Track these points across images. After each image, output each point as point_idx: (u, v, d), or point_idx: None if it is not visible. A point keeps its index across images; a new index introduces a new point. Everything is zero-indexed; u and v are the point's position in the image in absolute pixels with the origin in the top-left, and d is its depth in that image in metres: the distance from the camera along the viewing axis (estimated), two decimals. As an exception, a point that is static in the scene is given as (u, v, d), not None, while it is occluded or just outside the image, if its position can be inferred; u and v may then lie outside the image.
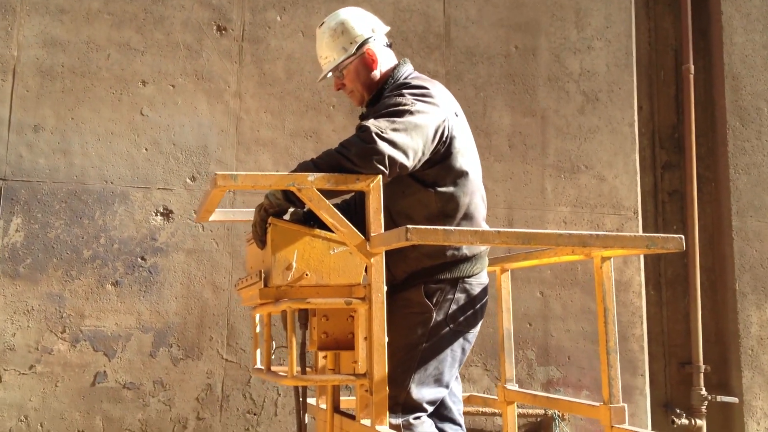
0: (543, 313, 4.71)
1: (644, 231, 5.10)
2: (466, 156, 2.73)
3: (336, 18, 2.87)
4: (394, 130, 2.47)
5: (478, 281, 2.74)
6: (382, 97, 2.77)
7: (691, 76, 5.37)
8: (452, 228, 2.15)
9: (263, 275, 2.43)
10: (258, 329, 2.89)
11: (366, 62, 2.85)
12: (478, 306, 2.74)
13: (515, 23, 4.91)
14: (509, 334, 3.09)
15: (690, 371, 5.14)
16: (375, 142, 2.41)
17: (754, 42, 5.44)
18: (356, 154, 2.41)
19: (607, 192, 4.92)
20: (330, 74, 2.89)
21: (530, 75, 4.90)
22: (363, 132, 2.45)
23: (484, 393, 4.46)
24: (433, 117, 2.59)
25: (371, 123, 2.47)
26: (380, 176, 2.42)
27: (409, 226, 2.11)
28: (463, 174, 2.69)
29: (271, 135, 4.45)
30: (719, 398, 5.07)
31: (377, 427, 2.29)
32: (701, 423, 5.05)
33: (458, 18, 4.78)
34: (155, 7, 4.38)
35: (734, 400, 5.10)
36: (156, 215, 4.28)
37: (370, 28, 2.89)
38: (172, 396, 4.17)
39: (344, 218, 2.37)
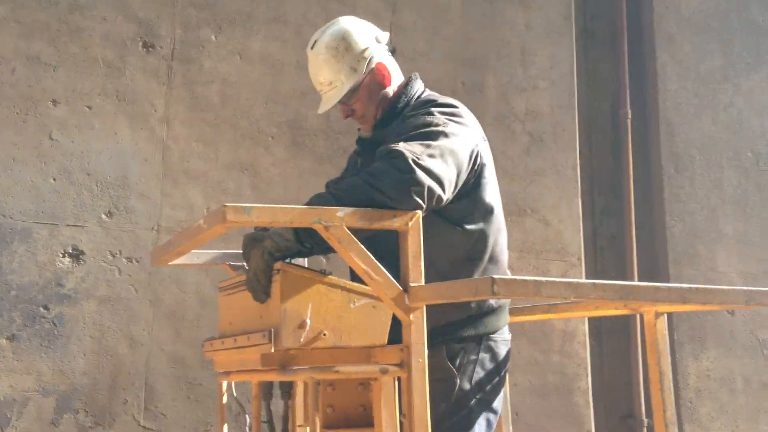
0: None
1: (586, 278, 4.93)
2: (494, 188, 2.40)
3: (335, 33, 2.45)
4: (430, 156, 2.10)
5: (503, 338, 2.40)
6: (396, 116, 2.41)
7: (629, 122, 5.29)
8: (543, 279, 1.78)
9: (273, 335, 1.96)
10: (225, 399, 2.41)
11: (378, 79, 2.46)
12: (503, 368, 2.38)
13: (463, 58, 4.66)
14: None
15: (633, 425, 5.00)
16: (413, 171, 2.03)
17: (687, 89, 5.43)
18: (392, 186, 2.01)
19: (552, 237, 4.71)
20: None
21: (478, 112, 4.59)
22: (396, 158, 2.06)
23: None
24: (466, 141, 2.25)
25: (404, 148, 2.08)
26: (419, 213, 2.02)
27: (495, 276, 1.71)
28: (490, 209, 2.36)
29: (202, 166, 3.96)
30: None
31: None
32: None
33: (405, 49, 4.47)
34: (71, 17, 3.82)
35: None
36: (63, 256, 3.69)
37: (374, 37, 2.49)
38: (78, 472, 3.56)
39: (379, 264, 1.94)
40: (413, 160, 2.04)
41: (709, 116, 5.46)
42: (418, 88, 2.50)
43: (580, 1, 5.30)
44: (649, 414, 4.94)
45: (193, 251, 2.44)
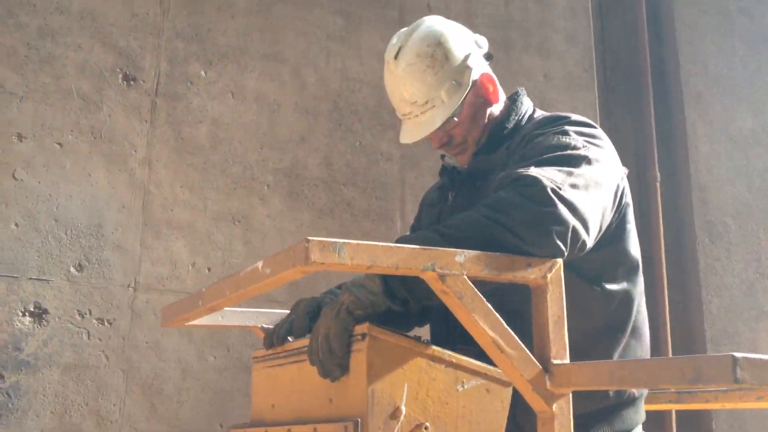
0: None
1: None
2: (637, 237, 1.99)
3: (428, 36, 2.01)
4: (573, 186, 1.65)
5: None
6: (503, 140, 2.01)
7: (658, 185, 4.94)
8: None
9: (358, 428, 1.50)
10: None
11: (483, 94, 2.03)
12: None
13: (477, 106, 4.32)
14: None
15: None
16: (554, 204, 1.59)
17: (719, 153, 5.10)
18: (525, 223, 1.56)
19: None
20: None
21: (496, 166, 4.28)
22: (530, 187, 1.61)
23: None
24: (612, 172, 1.82)
25: (538, 173, 1.64)
26: (560, 262, 1.58)
27: (736, 354, 1.20)
28: (635, 265, 1.94)
29: (188, 216, 3.56)
30: None
31: None
32: None
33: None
34: (42, 42, 3.51)
35: None
36: (23, 315, 3.25)
37: (473, 41, 2.07)
38: None
39: (512, 332, 1.51)
40: (553, 189, 1.60)
41: (743, 182, 5.12)
42: (529, 105, 2.11)
43: (600, 52, 5.00)
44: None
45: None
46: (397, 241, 1.56)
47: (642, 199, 5.01)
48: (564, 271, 1.70)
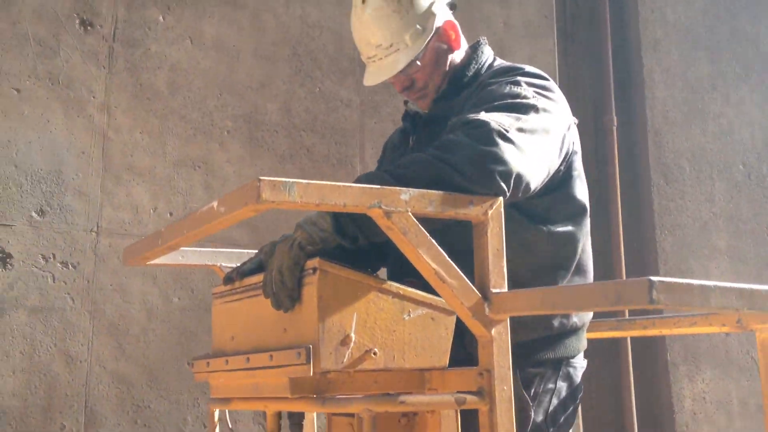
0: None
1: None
2: (585, 183, 2.11)
3: None
4: (520, 130, 1.77)
5: (581, 363, 2.10)
6: (463, 87, 2.10)
7: (615, 129, 5.10)
8: (710, 284, 1.40)
9: (309, 354, 1.60)
10: (217, 430, 2.06)
11: (446, 41, 2.13)
12: (579, 398, 2.10)
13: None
14: None
15: None
16: (498, 144, 1.69)
17: (675, 98, 5.27)
18: (469, 162, 1.67)
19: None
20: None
21: (454, 111, 4.39)
22: (477, 128, 1.72)
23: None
24: (559, 121, 1.94)
25: (487, 117, 1.75)
26: (501, 200, 1.69)
27: (652, 278, 1.34)
28: (582, 208, 2.07)
29: (148, 162, 3.65)
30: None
31: None
32: None
33: (374, 39, 4.21)
34: (-2, -12, 3.52)
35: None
36: (-12, 260, 3.32)
37: None
38: None
39: (453, 264, 1.62)
40: (498, 132, 1.71)
41: (699, 126, 5.34)
42: (489, 54, 2.21)
43: (561, 0, 5.11)
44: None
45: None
46: (356, 181, 1.67)
47: (599, 143, 5.17)
48: (513, 213, 1.88)
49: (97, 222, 3.55)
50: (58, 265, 3.46)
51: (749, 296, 1.43)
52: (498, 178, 1.68)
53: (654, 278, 1.32)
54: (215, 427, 2.01)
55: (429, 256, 1.59)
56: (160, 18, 3.82)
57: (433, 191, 1.61)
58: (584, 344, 2.11)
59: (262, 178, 1.44)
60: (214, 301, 2.00)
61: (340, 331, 1.63)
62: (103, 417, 3.41)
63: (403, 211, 1.56)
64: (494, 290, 1.65)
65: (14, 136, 3.48)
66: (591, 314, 2.13)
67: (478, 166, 1.66)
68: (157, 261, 2.06)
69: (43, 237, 3.46)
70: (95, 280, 3.50)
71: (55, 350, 3.39)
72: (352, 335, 1.63)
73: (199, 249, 2.28)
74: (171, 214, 3.66)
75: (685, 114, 5.32)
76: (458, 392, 1.63)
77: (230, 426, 2.06)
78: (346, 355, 1.62)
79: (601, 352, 4.85)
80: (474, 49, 2.19)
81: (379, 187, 1.56)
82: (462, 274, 1.62)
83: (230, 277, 1.92)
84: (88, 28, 3.67)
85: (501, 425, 1.59)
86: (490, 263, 1.65)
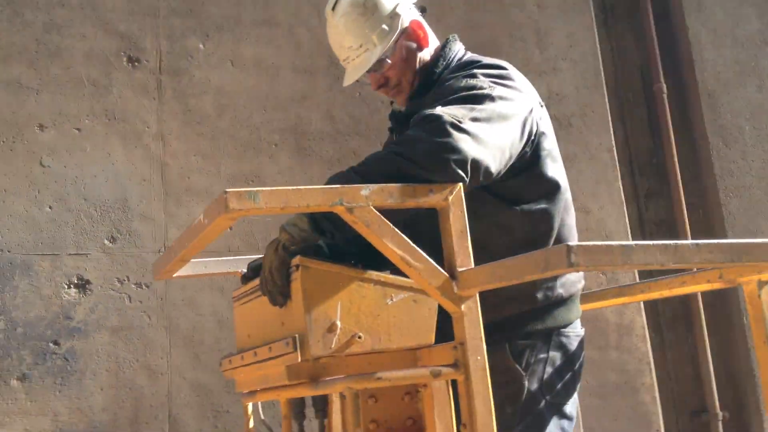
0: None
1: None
2: (557, 161, 2.23)
3: None
4: (474, 120, 1.90)
5: (575, 332, 2.21)
6: (434, 83, 2.24)
7: (665, 96, 5.10)
8: (632, 244, 1.51)
9: (297, 343, 1.77)
10: (251, 424, 2.25)
11: (413, 39, 2.30)
12: (577, 367, 2.19)
13: (472, 45, 4.52)
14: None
15: (706, 420, 4.78)
16: (450, 134, 1.83)
17: (725, 57, 5.22)
18: (425, 154, 1.81)
19: (594, 225, 4.54)
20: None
21: (495, 98, 4.50)
22: (431, 122, 1.87)
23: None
24: (519, 106, 2.07)
25: (441, 111, 1.90)
26: (461, 185, 1.83)
27: (570, 243, 1.48)
28: (555, 185, 2.18)
29: (204, 182, 3.91)
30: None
31: None
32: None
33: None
34: (49, 37, 3.88)
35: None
36: (69, 287, 3.65)
37: None
38: None
39: (418, 248, 1.76)
40: (452, 124, 1.85)
41: (753, 83, 5.27)
42: (458, 50, 2.34)
43: (594, -27, 5.16)
44: (723, 406, 4.78)
45: (200, 260, 2.30)
46: (327, 181, 1.85)
47: (650, 112, 5.18)
48: (487, 197, 2.04)
49: (163, 242, 3.82)
50: (133, 286, 3.74)
51: (674, 251, 1.52)
52: (454, 165, 1.80)
53: (571, 243, 1.47)
54: (249, 420, 2.20)
55: (394, 244, 1.72)
56: (200, 46, 4.08)
57: (393, 185, 1.74)
58: (576, 314, 2.21)
59: (228, 190, 1.61)
60: (234, 303, 2.16)
61: (326, 319, 1.77)
62: (186, 424, 3.67)
63: (364, 205, 1.69)
64: (461, 269, 1.77)
65: (80, 172, 3.79)
66: (579, 285, 2.23)
67: (434, 157, 1.80)
68: (181, 273, 2.21)
69: (117, 261, 3.75)
70: (167, 297, 3.77)
71: (137, 365, 3.67)
72: (338, 322, 1.77)
73: (221, 259, 2.42)
74: (231, 228, 3.90)
75: (738, 73, 5.27)
76: (435, 366, 1.75)
77: (262, 417, 2.21)
78: (333, 341, 1.76)
79: (674, 323, 4.86)
80: (443, 47, 2.33)
81: (339, 186, 1.71)
82: (427, 257, 1.75)
83: (246, 275, 2.12)
84: (136, 63, 3.96)
85: (477, 393, 1.70)
86: (455, 244, 1.78)
